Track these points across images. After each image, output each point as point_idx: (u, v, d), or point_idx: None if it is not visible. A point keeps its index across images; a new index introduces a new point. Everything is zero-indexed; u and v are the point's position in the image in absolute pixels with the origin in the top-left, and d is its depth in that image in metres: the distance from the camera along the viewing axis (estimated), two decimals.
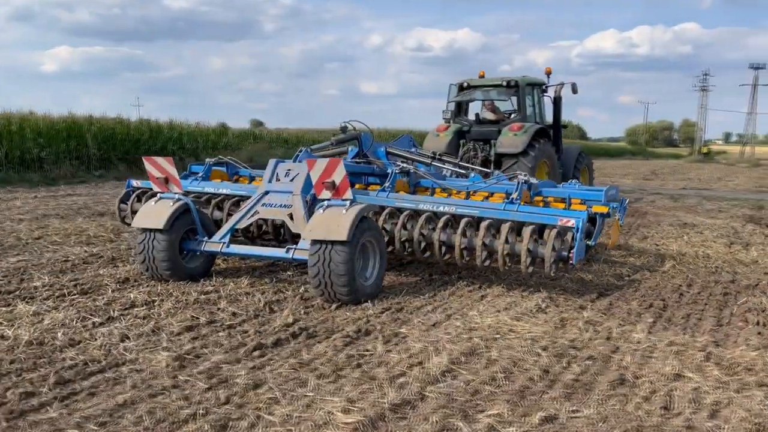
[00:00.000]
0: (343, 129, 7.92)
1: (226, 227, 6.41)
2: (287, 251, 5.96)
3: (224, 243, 6.25)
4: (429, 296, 5.90)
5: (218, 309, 5.37)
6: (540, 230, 5.96)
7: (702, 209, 13.18)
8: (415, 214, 6.40)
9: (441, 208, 6.36)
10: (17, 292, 5.77)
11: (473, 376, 3.87)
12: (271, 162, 6.79)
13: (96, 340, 4.54)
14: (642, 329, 4.87)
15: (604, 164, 37.56)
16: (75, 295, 5.76)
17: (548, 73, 11.74)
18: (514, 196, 6.40)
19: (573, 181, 7.58)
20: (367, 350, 4.34)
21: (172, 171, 6.31)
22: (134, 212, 7.78)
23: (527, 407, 3.43)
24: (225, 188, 7.55)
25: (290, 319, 5.01)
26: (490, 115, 11.57)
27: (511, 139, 10.51)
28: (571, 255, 5.62)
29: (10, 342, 4.44)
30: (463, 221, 6.04)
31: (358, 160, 7.49)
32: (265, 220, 7.06)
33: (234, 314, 5.22)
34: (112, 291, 5.92)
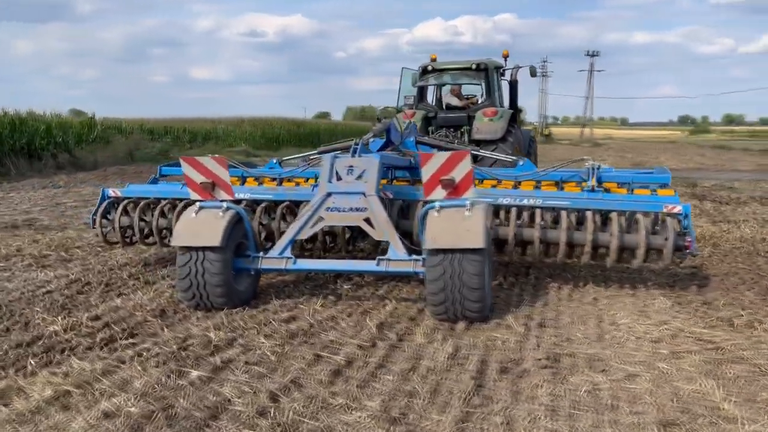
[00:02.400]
0: (380, 118, 7.01)
1: (285, 239, 5.30)
2: (378, 263, 5.02)
3: (289, 258, 5.17)
4: (542, 304, 5.25)
5: (332, 342, 4.36)
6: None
7: None
8: (495, 209, 5.72)
9: (525, 201, 5.74)
10: (41, 343, 4.33)
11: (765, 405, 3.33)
12: (327, 158, 5.73)
13: (236, 404, 3.41)
14: None
15: None
16: (125, 339, 4.45)
17: (505, 56, 11.41)
18: (593, 183, 5.97)
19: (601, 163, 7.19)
20: (592, 383, 3.62)
21: (223, 174, 5.10)
22: (123, 227, 6.38)
23: None
24: (246, 192, 6.34)
25: (449, 348, 4.15)
26: (455, 101, 11.04)
27: (488, 125, 10.05)
28: (688, 243, 5.27)
29: (123, 420, 3.20)
30: (565, 215, 5.48)
31: (394, 153, 6.61)
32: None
33: (360, 347, 4.25)
34: (164, 329, 4.66)
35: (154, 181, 7.32)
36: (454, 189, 4.73)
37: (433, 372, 3.82)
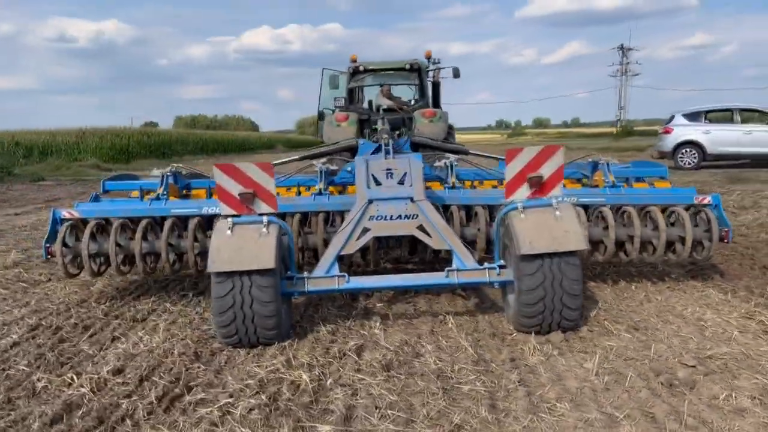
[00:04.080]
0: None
1: (329, 255, 4.56)
2: (447, 275, 4.46)
3: (341, 277, 4.44)
4: (607, 306, 4.95)
5: (441, 370, 3.75)
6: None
7: None
8: None
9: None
10: (82, 413, 3.32)
11: None
12: (361, 161, 5.04)
13: None
14: None
15: None
16: (188, 395, 3.51)
17: (428, 57, 11.17)
18: (611, 179, 5.83)
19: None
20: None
21: (268, 183, 4.25)
22: (93, 256, 5.24)
23: None
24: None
25: (587, 364, 3.71)
26: (387, 102, 10.57)
27: (430, 127, 9.69)
28: (725, 233, 5.29)
29: None
30: (609, 212, 5.27)
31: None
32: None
33: (479, 372, 3.70)
34: (219, 376, 3.78)
35: (96, 199, 6.10)
36: (541, 187, 4.30)
37: (597, 392, 3.38)
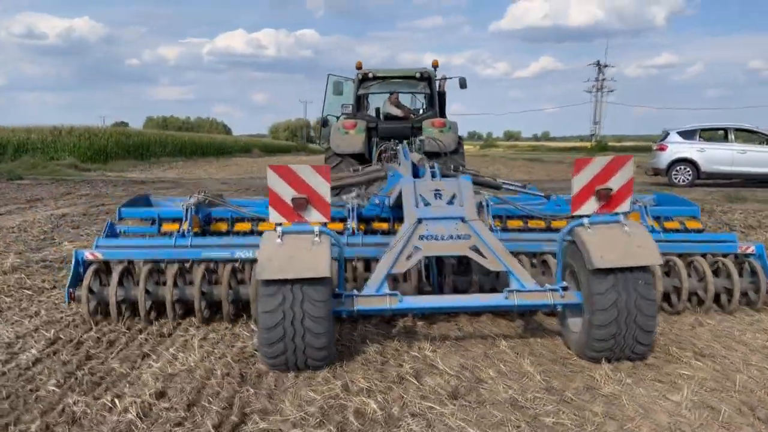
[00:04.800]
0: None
1: (378, 274, 4.24)
2: (507, 297, 4.20)
3: (394, 296, 4.15)
4: (660, 334, 4.77)
5: (514, 399, 3.51)
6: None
7: None
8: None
9: None
10: None
11: None
12: (408, 182, 4.81)
13: None
14: None
15: (286, 160, 37.85)
16: (248, 423, 3.21)
17: (435, 66, 10.98)
18: (650, 222, 5.65)
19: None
20: None
21: (324, 189, 3.98)
22: (122, 302, 4.90)
23: None
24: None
25: (672, 396, 3.50)
26: (395, 111, 10.33)
27: (440, 137, 9.51)
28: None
29: None
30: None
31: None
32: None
33: (555, 402, 3.46)
34: (272, 400, 3.48)
35: (113, 229, 5.72)
36: (609, 201, 4.10)
37: (694, 429, 3.16)
